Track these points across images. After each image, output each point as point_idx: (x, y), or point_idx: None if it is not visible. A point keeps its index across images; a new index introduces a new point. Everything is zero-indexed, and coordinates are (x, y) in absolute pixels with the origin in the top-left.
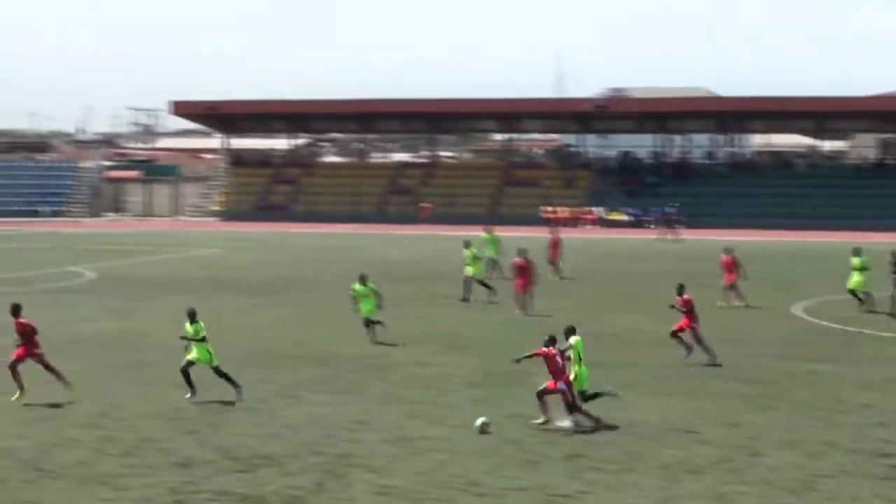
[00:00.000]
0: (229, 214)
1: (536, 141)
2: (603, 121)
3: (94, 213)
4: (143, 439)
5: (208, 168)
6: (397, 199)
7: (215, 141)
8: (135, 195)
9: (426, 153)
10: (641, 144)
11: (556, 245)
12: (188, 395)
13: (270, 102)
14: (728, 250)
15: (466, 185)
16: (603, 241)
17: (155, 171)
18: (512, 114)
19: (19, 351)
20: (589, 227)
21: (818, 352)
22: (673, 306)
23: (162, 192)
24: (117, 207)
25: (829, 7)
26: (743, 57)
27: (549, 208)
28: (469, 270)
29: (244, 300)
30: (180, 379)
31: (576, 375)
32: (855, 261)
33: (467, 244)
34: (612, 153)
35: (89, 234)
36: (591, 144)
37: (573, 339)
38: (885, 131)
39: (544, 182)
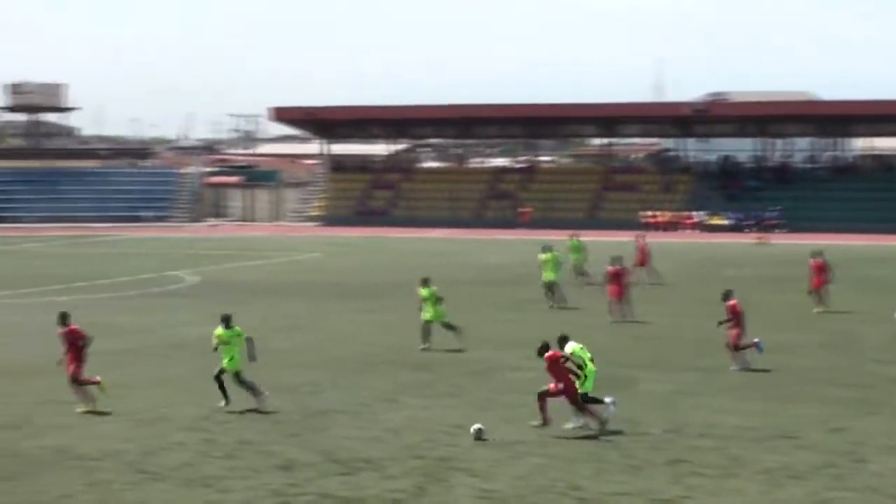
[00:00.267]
0: (329, 219)
1: (636, 145)
2: (703, 125)
3: (196, 219)
4: (244, 442)
5: (308, 173)
6: (496, 204)
7: (315, 146)
8: (235, 201)
9: (525, 158)
10: (742, 148)
11: (643, 251)
12: (222, 402)
13: (369, 108)
14: (816, 254)
15: (565, 189)
16: (702, 245)
17: (255, 176)
18: (611, 118)
19: (70, 360)
20: (689, 231)
21: None
22: (721, 322)
23: (262, 198)
24: (218, 213)
25: None
26: (846, 60)
27: (649, 213)
28: (547, 276)
29: (344, 305)
30: (278, 382)
31: (584, 378)
32: None
33: (547, 248)
34: (713, 157)
35: (190, 240)
36: (691, 148)
37: (569, 348)
38: None
39: (643, 186)
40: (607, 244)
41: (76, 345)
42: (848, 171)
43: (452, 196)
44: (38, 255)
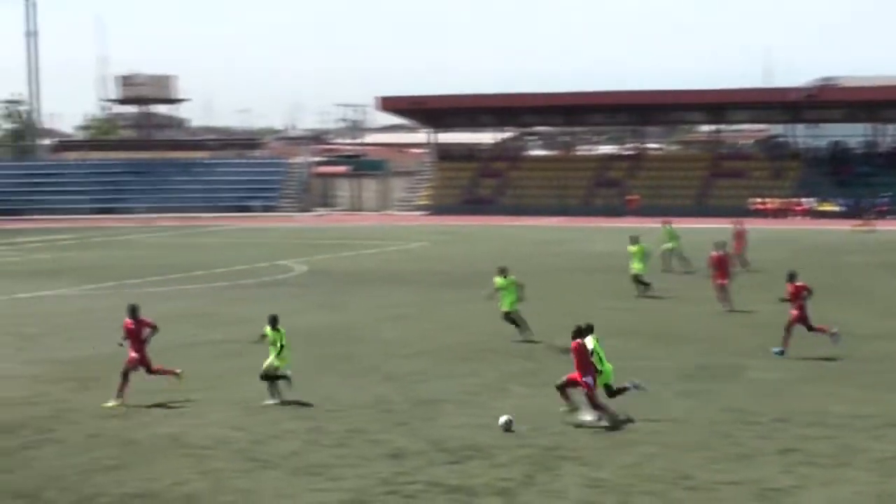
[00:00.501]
0: (436, 208)
1: (744, 132)
2: (813, 110)
3: (304, 208)
4: (354, 430)
5: (415, 162)
6: (604, 192)
7: (422, 135)
8: (343, 190)
9: (633, 145)
10: (852, 134)
11: (741, 237)
12: (270, 400)
13: (476, 97)
14: None
15: (673, 176)
16: (812, 232)
17: (363, 166)
18: (719, 104)
19: (139, 355)
20: (799, 218)
21: None
22: (782, 299)
23: (370, 187)
24: (326, 202)
25: None
26: None
27: (758, 200)
28: (635, 266)
29: (451, 294)
30: (387, 370)
31: (600, 372)
32: None
33: (634, 239)
34: (822, 143)
35: (299, 229)
36: (801, 134)
37: (589, 342)
38: None
39: (752, 173)
40: (714, 231)
41: (140, 337)
42: None
43: (560, 184)
44: (147, 246)
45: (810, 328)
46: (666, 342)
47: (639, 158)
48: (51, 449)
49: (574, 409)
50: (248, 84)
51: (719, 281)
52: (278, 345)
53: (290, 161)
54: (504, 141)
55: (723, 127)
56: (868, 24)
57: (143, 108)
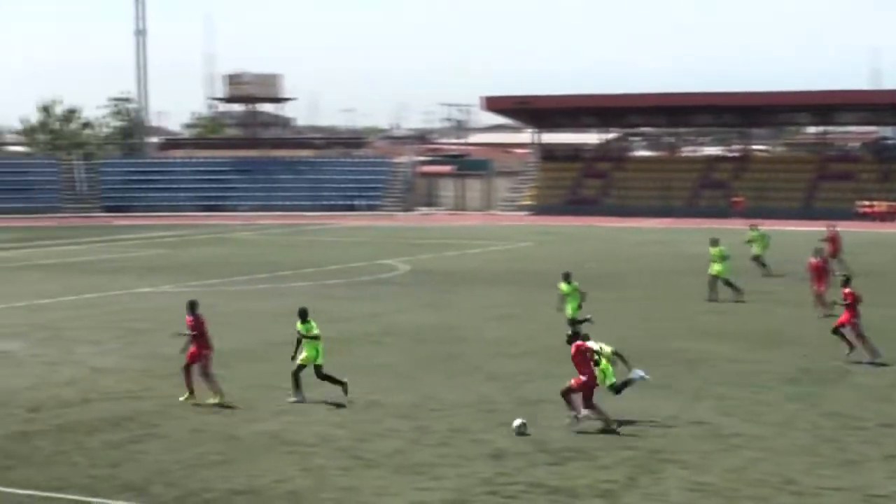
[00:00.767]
0: (540, 208)
1: (852, 133)
2: None
3: (408, 208)
4: (456, 430)
5: (519, 162)
6: (709, 193)
7: (526, 135)
8: (447, 190)
9: (738, 146)
10: None
11: (834, 240)
12: (292, 398)
13: (581, 97)
14: None
15: (779, 178)
16: None
17: (467, 165)
18: (827, 106)
19: (192, 350)
20: None
21: None
22: (836, 302)
23: (474, 187)
24: (430, 202)
25: None
26: None
27: (865, 203)
28: (714, 269)
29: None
30: (491, 369)
31: (601, 372)
32: None
33: (714, 242)
34: None
35: (402, 228)
36: None
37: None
38: None
39: (860, 175)
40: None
41: (204, 334)
42: None
43: (664, 185)
44: (252, 244)
45: (836, 331)
46: (767, 345)
47: (744, 160)
48: (156, 443)
49: (577, 418)
50: (354, 83)
51: (817, 288)
52: (311, 337)
53: (395, 160)
54: (608, 141)
55: (830, 128)
56: None
57: (249, 107)
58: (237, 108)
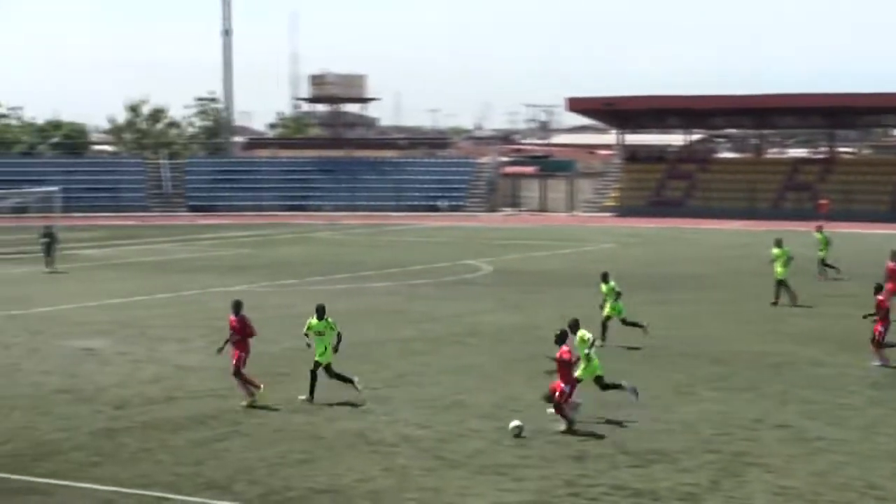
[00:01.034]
0: (623, 210)
1: None
2: None
3: (491, 209)
4: (538, 431)
5: (603, 164)
6: (794, 196)
7: (609, 137)
8: (530, 190)
9: (824, 148)
10: None
11: None
12: (303, 397)
13: (666, 98)
14: None
15: (865, 181)
16: None
17: (550, 166)
18: None
19: (236, 350)
20: None
21: None
22: (866, 316)
23: (557, 188)
24: (513, 202)
25: None
26: None
27: None
28: (777, 271)
29: (638, 296)
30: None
31: (587, 367)
32: None
33: (778, 243)
34: None
35: (486, 229)
36: None
37: (579, 335)
38: None
39: None
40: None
41: (246, 335)
42: None
43: (749, 187)
44: (336, 243)
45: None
46: (850, 349)
47: (830, 162)
48: (239, 441)
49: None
50: (438, 84)
51: (892, 290)
52: (329, 334)
53: (478, 161)
54: (693, 143)
55: None
56: None
57: (334, 108)
58: (321, 107)
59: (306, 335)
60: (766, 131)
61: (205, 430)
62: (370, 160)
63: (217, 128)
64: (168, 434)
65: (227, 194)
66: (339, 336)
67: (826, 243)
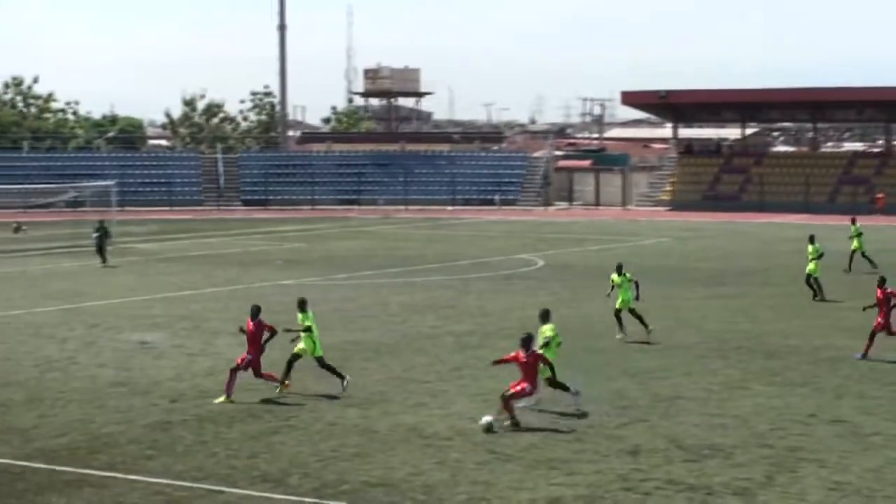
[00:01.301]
0: (677, 204)
1: None
2: None
3: (545, 202)
4: (592, 426)
5: (657, 157)
6: (849, 190)
7: (664, 130)
8: (584, 184)
9: (881, 142)
10: None
11: None
12: (278, 388)
13: (721, 92)
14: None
15: None
16: None
17: (605, 160)
18: None
19: (252, 357)
20: None
21: None
22: (866, 307)
23: (611, 182)
24: (567, 196)
25: None
26: None
27: None
28: (809, 267)
29: (693, 290)
30: (626, 365)
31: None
32: None
33: (811, 239)
34: None
35: (540, 223)
36: None
37: (545, 328)
38: None
39: None
40: None
41: (258, 339)
42: None
43: (804, 181)
44: (390, 237)
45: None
46: None
47: (887, 156)
48: (294, 435)
49: (516, 424)
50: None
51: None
52: (303, 329)
53: (533, 155)
54: (747, 137)
55: None
56: None
57: (388, 101)
58: (375, 101)
59: (290, 329)
60: (821, 125)
61: (259, 424)
62: (424, 154)
63: (271, 122)
64: (223, 427)
65: (281, 188)
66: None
67: (860, 236)
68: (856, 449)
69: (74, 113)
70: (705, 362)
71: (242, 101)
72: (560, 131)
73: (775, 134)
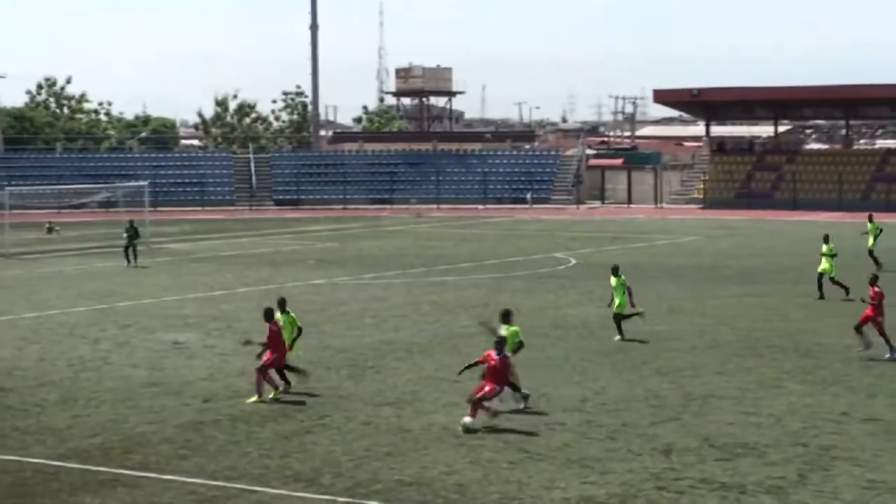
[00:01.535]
0: (710, 202)
1: None
2: None
3: (577, 201)
4: (625, 424)
5: (689, 155)
6: (883, 187)
7: (696, 128)
8: (617, 183)
9: None
10: None
11: None
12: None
13: (754, 89)
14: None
15: None
16: None
17: (637, 158)
18: None
19: (268, 355)
20: None
21: None
22: (864, 300)
23: (643, 180)
24: (599, 195)
25: None
26: None
27: None
28: (822, 266)
29: (726, 289)
30: (658, 365)
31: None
32: None
33: (826, 238)
34: None
35: (571, 221)
36: None
37: (504, 329)
38: None
39: None
40: None
41: (280, 336)
42: None
43: (838, 178)
44: (423, 237)
45: (858, 329)
46: None
47: None
48: (326, 435)
49: (495, 414)
50: (524, 76)
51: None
52: (286, 330)
53: (564, 153)
54: (780, 134)
55: None
56: None
57: (419, 101)
58: (407, 101)
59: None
60: (854, 122)
61: (291, 423)
62: (456, 153)
63: (303, 122)
64: (255, 427)
65: (313, 188)
66: (299, 330)
67: (875, 234)
68: (889, 447)
69: (107, 113)
70: (738, 361)
71: (274, 101)
72: (592, 129)
73: (808, 131)
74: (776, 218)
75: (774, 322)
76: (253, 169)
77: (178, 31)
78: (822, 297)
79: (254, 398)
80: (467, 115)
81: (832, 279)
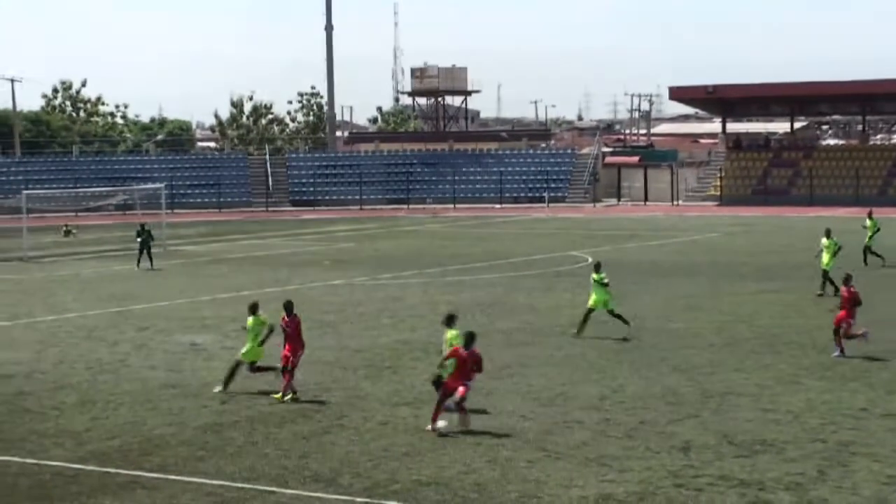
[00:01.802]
0: (727, 199)
1: None
2: None
3: (594, 199)
4: (643, 422)
5: (706, 152)
6: None
7: (712, 125)
8: (633, 181)
9: None
10: None
11: None
12: (218, 388)
13: (770, 85)
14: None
15: None
16: None
17: (653, 156)
18: None
19: (285, 352)
20: None
21: None
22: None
23: (660, 178)
24: (616, 193)
25: None
26: None
27: None
28: (823, 261)
29: (744, 285)
30: (676, 362)
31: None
32: None
33: (827, 233)
34: None
35: (588, 220)
36: None
37: (449, 332)
38: None
39: None
40: None
41: (297, 336)
42: None
43: (854, 174)
44: (439, 236)
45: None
46: None
47: None
48: (344, 435)
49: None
50: (539, 75)
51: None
52: (257, 333)
53: (580, 151)
54: (796, 130)
55: None
56: None
57: (436, 100)
58: (423, 100)
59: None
60: (871, 117)
61: (310, 424)
62: (472, 153)
63: (319, 123)
64: (273, 428)
65: (329, 189)
66: (270, 328)
67: (874, 230)
68: None
69: (123, 116)
70: (757, 357)
71: (290, 102)
72: (608, 127)
73: (824, 127)
74: (793, 214)
75: (792, 318)
76: (269, 170)
77: (193, 34)
78: (822, 294)
79: (288, 396)
80: (483, 115)
81: (824, 272)
